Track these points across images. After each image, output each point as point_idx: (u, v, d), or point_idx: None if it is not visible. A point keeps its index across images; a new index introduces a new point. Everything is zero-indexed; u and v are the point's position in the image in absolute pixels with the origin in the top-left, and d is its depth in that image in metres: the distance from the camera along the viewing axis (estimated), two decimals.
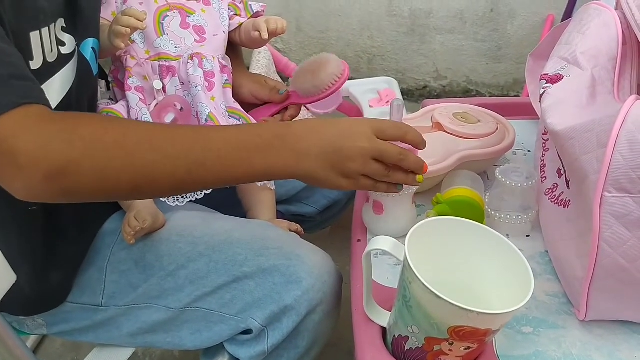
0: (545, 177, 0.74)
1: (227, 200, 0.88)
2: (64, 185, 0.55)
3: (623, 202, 0.51)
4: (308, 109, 1.69)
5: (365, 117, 1.70)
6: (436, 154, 0.80)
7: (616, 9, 0.72)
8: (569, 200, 0.65)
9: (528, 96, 0.98)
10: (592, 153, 0.53)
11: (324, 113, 1.73)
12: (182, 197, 0.82)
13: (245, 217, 0.89)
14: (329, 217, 1.08)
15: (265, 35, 0.87)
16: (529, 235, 0.76)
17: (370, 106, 1.69)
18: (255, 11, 0.96)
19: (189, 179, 0.59)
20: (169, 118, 0.84)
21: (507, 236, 0.75)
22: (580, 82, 0.67)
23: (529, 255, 0.72)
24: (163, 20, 0.85)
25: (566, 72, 0.71)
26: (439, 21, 2.15)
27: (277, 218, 0.92)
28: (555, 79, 0.75)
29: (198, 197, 0.82)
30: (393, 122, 0.67)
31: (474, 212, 0.74)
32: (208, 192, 0.82)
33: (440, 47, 2.20)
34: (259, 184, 0.87)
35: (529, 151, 0.94)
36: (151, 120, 0.82)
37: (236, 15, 0.94)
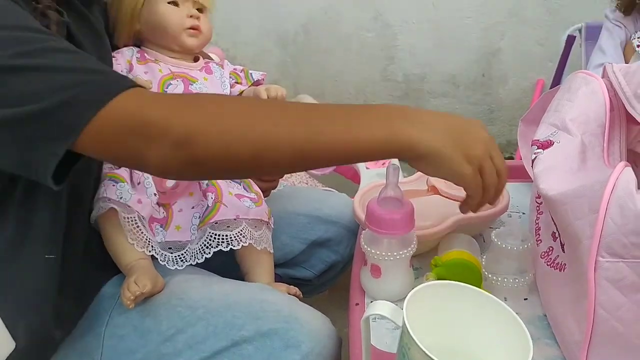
0: (540, 240, 0.75)
1: (225, 263, 0.88)
2: (191, 152, 0.55)
3: (617, 267, 0.52)
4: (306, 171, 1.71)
5: (362, 178, 1.72)
6: (432, 217, 0.81)
7: (603, 77, 0.76)
8: (565, 264, 0.65)
9: (521, 159, 1.00)
10: (584, 218, 0.54)
11: (321, 174, 1.76)
12: (182, 260, 0.83)
13: (244, 281, 0.89)
14: (326, 281, 1.08)
15: None
16: (526, 299, 0.76)
17: (367, 167, 1.71)
18: (255, 79, 1.00)
19: (308, 147, 0.57)
20: (170, 183, 0.86)
21: (505, 299, 0.75)
22: (571, 148, 0.69)
23: (527, 319, 0.72)
24: (167, 87, 0.89)
25: (556, 138, 0.73)
26: (433, 85, 2.21)
27: (275, 281, 0.92)
28: (546, 145, 0.77)
29: (199, 261, 0.83)
30: None
31: (471, 275, 0.74)
32: (209, 255, 0.83)
33: (434, 109, 2.26)
34: (258, 247, 0.88)
35: (523, 213, 0.95)
36: (152, 183, 0.83)
37: (237, 83, 0.98)
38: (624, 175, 0.53)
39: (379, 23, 2.14)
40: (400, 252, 0.73)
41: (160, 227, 0.84)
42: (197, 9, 0.92)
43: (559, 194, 0.61)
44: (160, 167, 0.58)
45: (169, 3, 0.90)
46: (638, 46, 1.29)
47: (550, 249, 0.71)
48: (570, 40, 1.67)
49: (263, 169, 0.62)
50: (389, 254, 0.72)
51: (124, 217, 0.80)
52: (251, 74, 1.00)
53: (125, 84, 0.58)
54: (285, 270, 1.01)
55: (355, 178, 1.87)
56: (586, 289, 0.54)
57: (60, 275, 0.73)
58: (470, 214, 0.82)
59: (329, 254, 1.03)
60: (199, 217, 0.86)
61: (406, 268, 0.76)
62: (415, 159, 0.59)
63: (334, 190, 1.28)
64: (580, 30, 1.67)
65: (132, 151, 0.57)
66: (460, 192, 0.85)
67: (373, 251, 0.73)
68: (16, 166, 0.61)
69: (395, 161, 0.75)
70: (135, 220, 0.81)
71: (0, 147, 0.59)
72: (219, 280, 0.83)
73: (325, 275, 1.06)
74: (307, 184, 1.59)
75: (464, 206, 0.68)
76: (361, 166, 1.69)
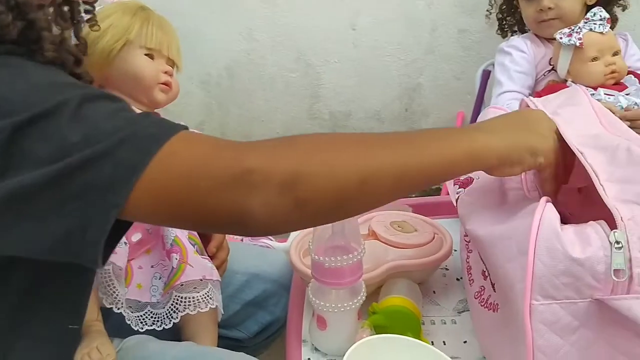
0: (472, 280, 0.75)
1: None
2: (299, 193, 0.50)
3: (551, 309, 0.52)
4: None
5: None
6: (367, 263, 0.80)
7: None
8: (497, 304, 0.65)
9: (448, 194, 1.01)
10: (515, 261, 0.54)
11: None
12: (143, 323, 0.81)
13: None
14: (259, 342, 1.04)
15: None
16: (466, 341, 0.75)
17: None
18: None
19: (410, 166, 0.55)
20: (135, 237, 0.84)
21: (444, 343, 0.75)
22: (489, 183, 0.70)
23: None
24: None
25: (475, 174, 0.74)
26: (358, 122, 2.24)
27: None
28: (466, 183, 0.77)
29: (166, 327, 0.82)
30: None
31: (409, 322, 0.72)
32: (177, 320, 0.83)
33: None
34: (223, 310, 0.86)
35: (455, 250, 0.95)
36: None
37: None
38: (547, 215, 0.53)
39: (302, 63, 2.16)
40: (350, 303, 0.71)
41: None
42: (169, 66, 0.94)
43: (486, 235, 0.61)
44: (267, 216, 0.50)
45: (145, 55, 0.91)
46: (561, 38, 1.36)
47: (482, 288, 0.71)
48: (486, 75, 1.74)
49: (369, 198, 0.57)
50: (338, 305, 0.70)
51: None
52: None
53: (178, 126, 0.52)
54: (219, 331, 0.97)
55: None
56: (522, 332, 0.53)
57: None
58: (406, 262, 0.81)
59: (264, 315, 1.00)
60: (160, 277, 0.84)
61: (353, 320, 0.73)
62: (495, 167, 0.60)
63: (272, 240, 1.24)
64: (494, 65, 1.74)
65: (231, 204, 0.49)
66: (399, 239, 0.85)
67: (321, 303, 0.70)
68: (50, 246, 0.49)
69: None
70: (110, 273, 0.77)
71: (33, 224, 0.48)
72: (173, 346, 0.80)
73: (259, 336, 1.02)
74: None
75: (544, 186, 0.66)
76: None
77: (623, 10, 1.56)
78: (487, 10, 1.75)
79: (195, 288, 0.84)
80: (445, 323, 0.79)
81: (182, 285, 0.83)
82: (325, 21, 2.08)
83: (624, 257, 0.49)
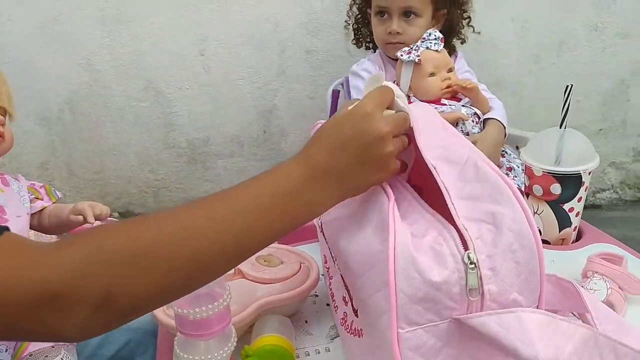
0: (336, 306, 0.75)
1: None
2: (116, 308, 0.47)
3: (416, 334, 0.53)
4: None
5: None
6: (236, 304, 0.77)
7: None
8: (361, 330, 0.65)
9: None
10: (381, 291, 0.55)
11: None
12: None
13: None
14: None
15: (92, 220, 0.90)
16: None
17: None
18: (60, 196, 0.97)
19: (241, 249, 0.54)
20: None
21: None
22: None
23: None
24: None
25: None
26: (218, 147, 2.21)
27: None
28: None
29: None
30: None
31: (283, 359, 0.71)
32: None
33: (223, 170, 2.25)
34: None
35: (322, 275, 0.96)
36: None
37: (37, 198, 0.93)
38: (400, 240, 0.53)
39: (151, 92, 2.07)
40: (220, 352, 0.67)
41: None
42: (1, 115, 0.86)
43: (354, 263, 0.61)
44: (85, 332, 0.47)
45: None
46: (402, 55, 1.45)
47: (345, 314, 0.72)
48: (335, 94, 1.80)
49: (201, 284, 0.55)
50: (208, 356, 0.66)
51: None
52: (54, 191, 0.96)
53: None
54: None
55: None
56: (391, 358, 0.54)
57: None
58: (275, 297, 0.80)
59: None
60: (6, 350, 0.76)
61: None
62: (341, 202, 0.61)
63: None
64: (342, 84, 1.81)
65: (42, 328, 0.45)
66: (266, 274, 0.83)
67: (190, 357, 0.66)
68: None
69: None
70: None
71: None
72: None
73: None
74: None
75: None
76: None
77: (462, 43, 1.71)
78: (346, 22, 1.83)
79: (46, 357, 0.77)
80: (319, 352, 0.78)
81: (31, 355, 0.76)
82: (171, 47, 2.03)
83: (476, 276, 0.52)
